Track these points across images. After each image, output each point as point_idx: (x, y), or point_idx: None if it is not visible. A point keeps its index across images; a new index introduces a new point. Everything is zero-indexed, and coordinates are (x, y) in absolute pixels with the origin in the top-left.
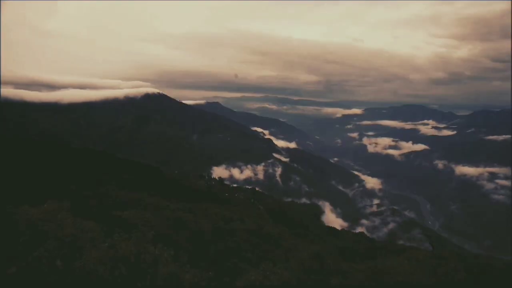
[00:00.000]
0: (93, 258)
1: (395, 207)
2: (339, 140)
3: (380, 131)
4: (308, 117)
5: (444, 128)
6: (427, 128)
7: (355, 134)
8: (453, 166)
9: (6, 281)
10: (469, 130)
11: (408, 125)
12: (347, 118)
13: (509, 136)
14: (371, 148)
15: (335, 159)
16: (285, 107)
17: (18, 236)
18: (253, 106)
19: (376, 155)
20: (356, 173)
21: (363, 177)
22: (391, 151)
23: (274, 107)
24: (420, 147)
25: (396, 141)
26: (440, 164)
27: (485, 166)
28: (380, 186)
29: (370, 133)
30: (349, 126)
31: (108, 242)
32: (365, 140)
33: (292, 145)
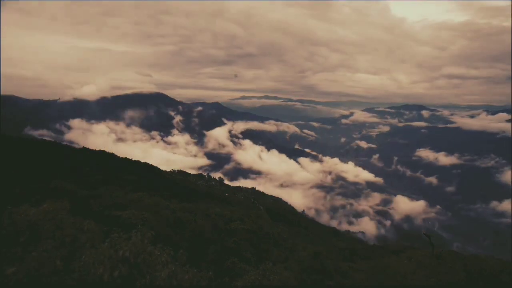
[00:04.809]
0: (93, 258)
1: (394, 207)
2: (341, 139)
3: (380, 131)
4: (309, 117)
5: (444, 127)
6: (427, 127)
7: (356, 134)
8: (453, 166)
9: (6, 281)
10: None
11: (408, 125)
12: (348, 117)
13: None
14: (371, 148)
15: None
16: (286, 106)
17: (17, 236)
18: (253, 105)
19: (376, 155)
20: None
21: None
22: (391, 151)
23: (274, 106)
24: (420, 146)
25: (397, 141)
26: (440, 163)
27: (487, 164)
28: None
29: (370, 133)
30: (350, 125)
31: (107, 242)
32: (366, 140)
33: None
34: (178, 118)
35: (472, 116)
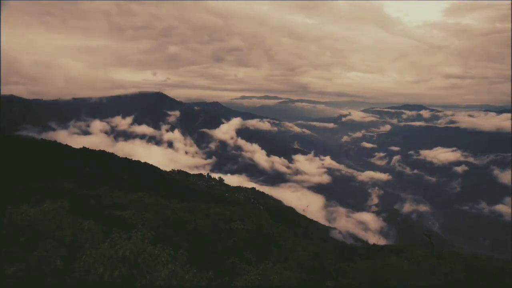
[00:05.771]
0: (93, 258)
1: (394, 207)
2: (341, 139)
3: (380, 131)
4: (309, 117)
5: (445, 127)
6: (427, 127)
7: (356, 134)
8: (453, 165)
9: (6, 281)
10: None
11: (408, 125)
12: (348, 117)
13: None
14: (371, 147)
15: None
16: (286, 106)
17: (17, 236)
18: (253, 105)
19: (376, 155)
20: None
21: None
22: (391, 151)
23: (274, 106)
24: (420, 146)
25: (397, 141)
26: (440, 163)
27: (488, 163)
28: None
29: (370, 133)
30: (350, 125)
31: (107, 242)
32: (366, 140)
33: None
34: (178, 117)
35: (472, 116)
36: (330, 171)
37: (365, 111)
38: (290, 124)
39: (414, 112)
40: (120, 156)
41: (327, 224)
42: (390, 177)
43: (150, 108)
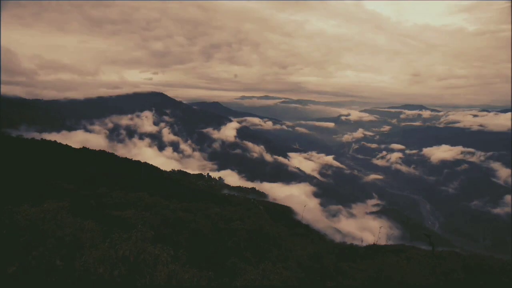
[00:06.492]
0: (93, 257)
1: (394, 207)
2: (341, 139)
3: (380, 131)
4: (309, 117)
5: (445, 127)
6: (427, 127)
7: (356, 133)
8: (454, 165)
9: (6, 280)
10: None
11: (408, 125)
12: (348, 117)
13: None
14: (371, 147)
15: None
16: (286, 106)
17: (18, 236)
18: (253, 105)
19: (376, 155)
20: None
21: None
22: (391, 151)
23: (274, 106)
24: (420, 145)
25: (397, 141)
26: (440, 163)
27: (488, 163)
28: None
29: (370, 133)
30: (350, 125)
31: (107, 242)
32: (366, 140)
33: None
34: (178, 118)
35: (472, 116)
36: (330, 170)
37: (365, 111)
38: (290, 124)
39: (414, 112)
40: (120, 156)
41: (327, 223)
42: (390, 177)
43: (150, 108)
